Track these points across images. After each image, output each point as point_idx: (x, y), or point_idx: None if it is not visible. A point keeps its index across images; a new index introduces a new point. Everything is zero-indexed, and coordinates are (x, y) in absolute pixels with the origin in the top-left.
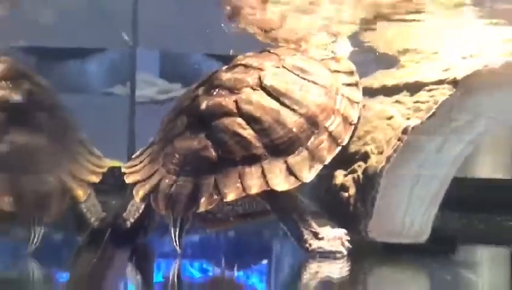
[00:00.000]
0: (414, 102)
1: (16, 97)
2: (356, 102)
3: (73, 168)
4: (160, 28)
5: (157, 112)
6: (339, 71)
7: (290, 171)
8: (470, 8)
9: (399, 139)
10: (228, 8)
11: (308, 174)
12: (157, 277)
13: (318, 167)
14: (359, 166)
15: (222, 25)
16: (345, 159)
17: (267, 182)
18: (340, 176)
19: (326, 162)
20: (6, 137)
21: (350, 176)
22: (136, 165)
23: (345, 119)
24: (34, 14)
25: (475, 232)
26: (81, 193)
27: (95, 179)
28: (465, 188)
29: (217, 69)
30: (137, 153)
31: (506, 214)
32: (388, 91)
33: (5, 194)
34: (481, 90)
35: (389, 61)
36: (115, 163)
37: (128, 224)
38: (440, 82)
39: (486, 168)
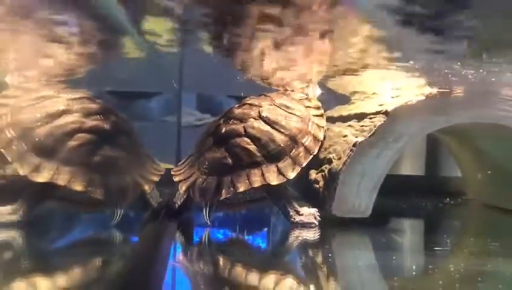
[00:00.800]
0: (360, 126)
1: (106, 126)
2: (322, 126)
3: (142, 171)
4: (197, 78)
5: (195, 133)
6: (310, 107)
7: (280, 172)
8: (396, 64)
9: (351, 150)
10: (239, 66)
11: (291, 173)
12: (196, 239)
13: (298, 169)
14: (326, 167)
15: (237, 77)
16: (317, 162)
17: (265, 179)
18: (313, 174)
19: (303, 166)
20: (99, 152)
21: (320, 174)
22: (180, 169)
23: (315, 138)
24: (113, 68)
25: (400, 210)
26: (147, 187)
27: (156, 178)
28: (394, 181)
29: (232, 106)
30: (181, 162)
31: (420, 198)
32: (344, 119)
33: (98, 188)
34: (403, 118)
35: (344, 99)
36: (168, 166)
37: (177, 206)
38: (377, 113)
39: (408, 167)
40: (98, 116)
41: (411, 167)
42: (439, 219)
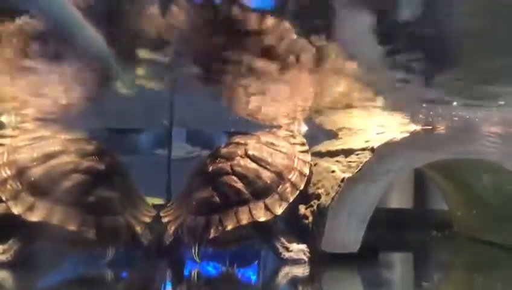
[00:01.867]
0: (348, 161)
1: (101, 167)
2: (307, 162)
3: (134, 212)
4: (187, 114)
5: (185, 166)
6: (295, 143)
7: (267, 208)
8: (382, 103)
9: (339, 186)
10: (226, 103)
11: (279, 209)
12: (186, 276)
13: (285, 205)
14: (314, 203)
15: (226, 113)
16: (306, 198)
17: (252, 216)
18: (302, 209)
19: (290, 201)
20: (94, 192)
21: (309, 209)
22: (169, 210)
23: (301, 173)
24: (106, 105)
25: (389, 243)
26: (138, 228)
27: (148, 219)
28: (382, 214)
29: (220, 144)
30: (169, 203)
31: (409, 231)
32: (331, 154)
33: (91, 229)
34: (389, 154)
35: (332, 135)
36: (157, 200)
37: (167, 243)
38: (363, 149)
39: (395, 200)
40: (93, 157)
41: (399, 200)
42: (427, 252)
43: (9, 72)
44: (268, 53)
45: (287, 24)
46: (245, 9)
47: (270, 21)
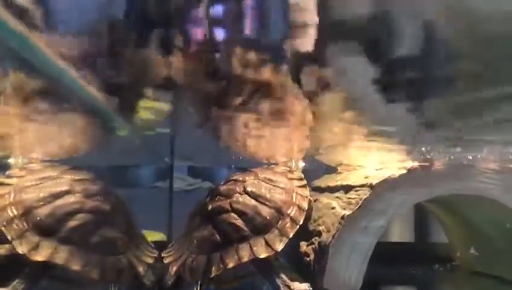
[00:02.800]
0: (347, 198)
1: (105, 207)
2: (306, 196)
3: (137, 252)
4: (188, 151)
5: (186, 198)
6: (293, 178)
7: (267, 244)
8: (381, 140)
9: (339, 223)
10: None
11: (279, 245)
12: None
13: (285, 240)
14: (316, 240)
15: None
16: (307, 234)
17: (253, 253)
18: (304, 246)
19: (290, 236)
20: (97, 232)
21: (310, 247)
22: (171, 251)
23: (299, 208)
24: (107, 146)
25: (391, 278)
26: (141, 269)
27: (150, 260)
28: (383, 249)
29: (218, 182)
30: (171, 244)
31: (410, 265)
32: (331, 189)
33: (94, 269)
34: (387, 191)
35: (331, 170)
36: (158, 235)
37: (169, 283)
38: (362, 185)
39: (396, 234)
40: (98, 197)
41: (400, 234)
42: (429, 287)
43: (14, 121)
44: (266, 99)
45: (285, 72)
46: (244, 58)
47: (267, 71)
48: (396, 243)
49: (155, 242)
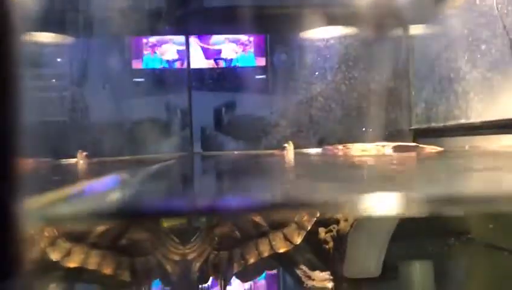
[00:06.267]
0: None
1: None
2: None
3: (164, 251)
4: None
5: None
6: None
7: (286, 238)
8: None
9: None
10: None
11: (298, 239)
12: None
13: (303, 233)
14: (334, 227)
15: None
16: (324, 221)
17: (272, 248)
18: (322, 233)
19: (308, 229)
20: (125, 235)
21: (329, 234)
22: (193, 247)
23: None
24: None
25: (409, 256)
26: (168, 267)
27: (177, 257)
28: (399, 225)
29: None
30: (193, 238)
31: (427, 240)
32: None
33: (126, 270)
34: None
35: None
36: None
37: (194, 278)
38: None
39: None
40: None
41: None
42: (447, 263)
43: None
44: None
45: None
46: None
47: None
48: (411, 218)
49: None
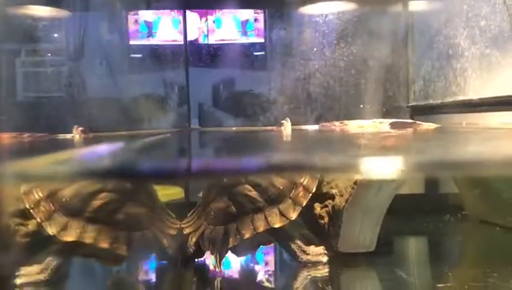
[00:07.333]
0: None
1: (128, 185)
2: None
3: (161, 226)
4: None
5: None
6: None
7: (282, 214)
8: None
9: (352, 188)
10: None
11: (293, 214)
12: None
13: (298, 209)
14: (329, 203)
15: None
16: (320, 196)
17: (268, 223)
18: (318, 208)
19: (303, 205)
20: (122, 209)
21: (324, 209)
22: (189, 221)
23: (311, 176)
24: None
25: (404, 232)
26: (165, 241)
27: (173, 232)
28: (394, 201)
29: None
30: (189, 214)
31: (422, 216)
32: None
33: (122, 245)
34: None
35: None
36: (175, 189)
37: (191, 252)
38: None
39: (407, 186)
40: None
41: (410, 186)
42: (442, 239)
43: None
44: None
45: None
46: None
47: None
48: (408, 195)
49: (174, 206)
